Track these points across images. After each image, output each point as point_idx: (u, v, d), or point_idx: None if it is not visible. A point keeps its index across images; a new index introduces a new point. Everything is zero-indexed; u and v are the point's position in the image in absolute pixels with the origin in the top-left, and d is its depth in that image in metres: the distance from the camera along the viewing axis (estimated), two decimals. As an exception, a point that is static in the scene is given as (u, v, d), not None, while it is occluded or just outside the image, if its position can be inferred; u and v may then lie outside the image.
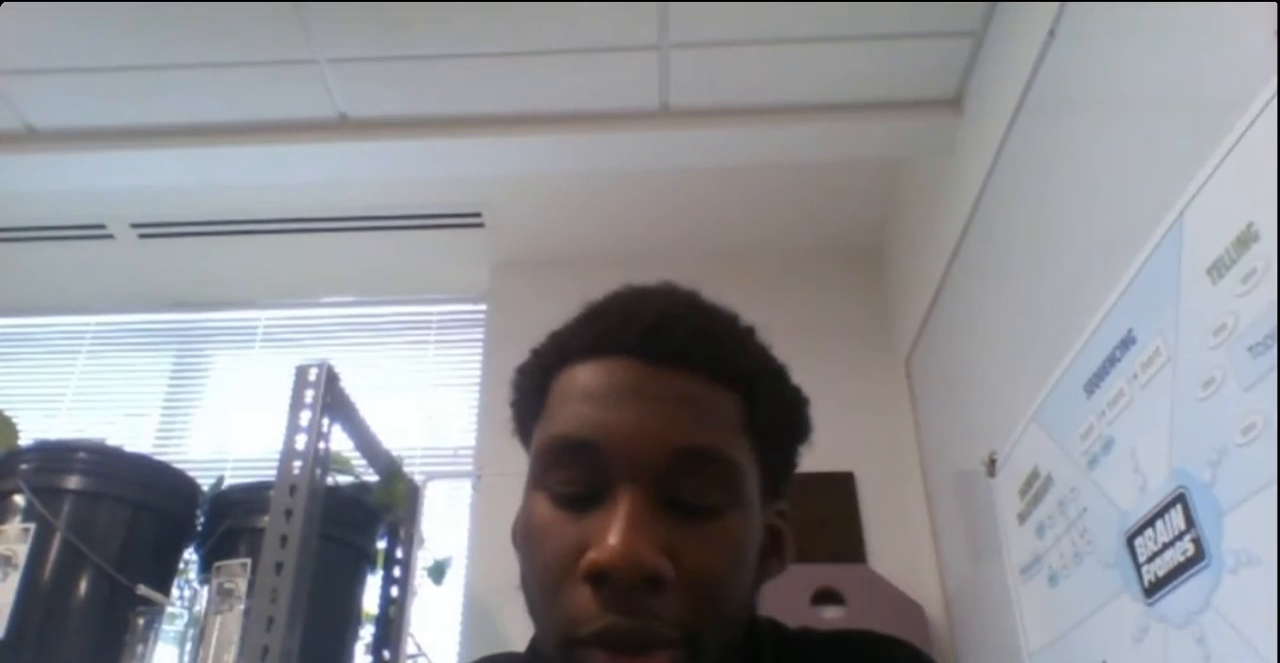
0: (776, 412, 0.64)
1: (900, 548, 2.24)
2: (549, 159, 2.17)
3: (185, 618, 1.56)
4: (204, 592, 1.54)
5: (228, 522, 1.62)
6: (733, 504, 0.59)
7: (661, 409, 0.58)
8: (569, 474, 0.58)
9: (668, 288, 0.67)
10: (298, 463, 1.44)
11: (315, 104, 2.02)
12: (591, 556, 0.54)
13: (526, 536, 0.60)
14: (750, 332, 0.67)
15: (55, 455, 1.58)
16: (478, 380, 2.60)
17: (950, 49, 1.89)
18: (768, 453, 0.63)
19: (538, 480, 0.60)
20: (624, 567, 0.53)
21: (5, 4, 1.76)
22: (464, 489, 2.42)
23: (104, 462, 1.59)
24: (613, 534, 0.54)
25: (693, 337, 0.60)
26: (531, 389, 0.65)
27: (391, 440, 1.88)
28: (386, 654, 1.80)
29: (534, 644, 0.63)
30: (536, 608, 0.59)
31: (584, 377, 0.61)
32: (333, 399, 1.55)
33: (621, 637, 0.53)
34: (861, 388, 2.46)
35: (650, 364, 0.59)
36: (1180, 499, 1.08)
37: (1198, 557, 1.04)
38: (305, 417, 1.49)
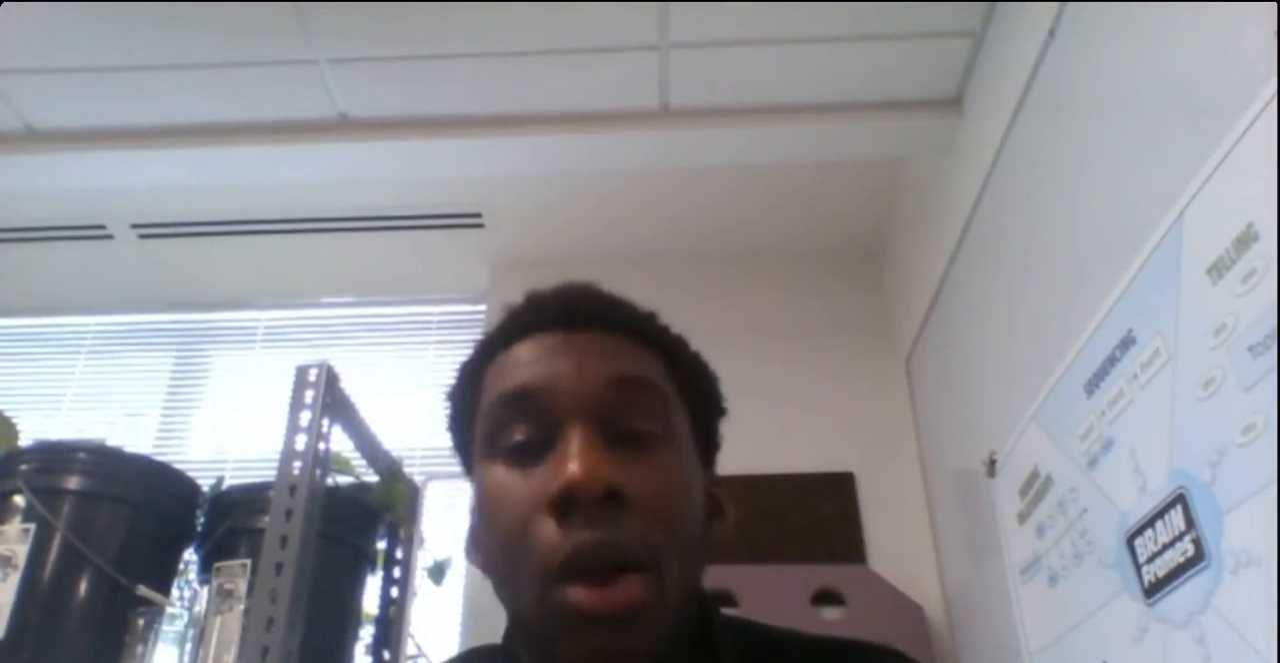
0: (698, 377, 0.68)
1: (900, 548, 2.24)
2: (549, 159, 2.17)
3: (185, 619, 1.56)
4: (204, 592, 1.54)
5: (228, 522, 1.62)
6: (669, 435, 0.62)
7: (590, 355, 0.62)
8: (515, 427, 0.61)
9: (579, 282, 0.70)
10: (298, 463, 1.44)
11: (315, 104, 2.02)
12: (553, 484, 0.56)
13: (486, 506, 0.61)
14: (654, 314, 0.70)
15: (55, 456, 1.58)
16: (478, 381, 2.60)
17: (950, 49, 1.89)
18: (695, 412, 0.66)
19: (486, 450, 0.62)
20: (586, 483, 0.55)
21: (5, 4, 1.76)
22: (464, 490, 2.42)
23: (104, 462, 1.58)
24: (571, 462, 0.56)
25: (610, 307, 0.66)
26: (464, 393, 0.68)
27: (391, 440, 1.88)
28: (386, 654, 1.80)
29: (508, 634, 0.65)
30: (505, 567, 0.59)
31: (508, 358, 0.64)
32: (333, 400, 1.55)
33: (592, 553, 0.54)
34: (861, 388, 2.46)
35: (574, 331, 0.63)
36: (1180, 499, 1.08)
37: (1198, 557, 1.04)
38: (305, 417, 1.49)
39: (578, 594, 0.54)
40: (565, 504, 0.55)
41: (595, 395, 0.60)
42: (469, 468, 0.68)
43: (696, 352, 0.70)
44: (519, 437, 0.60)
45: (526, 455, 0.59)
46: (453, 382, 0.70)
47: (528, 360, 0.63)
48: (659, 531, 0.57)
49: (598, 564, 0.54)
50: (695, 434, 0.65)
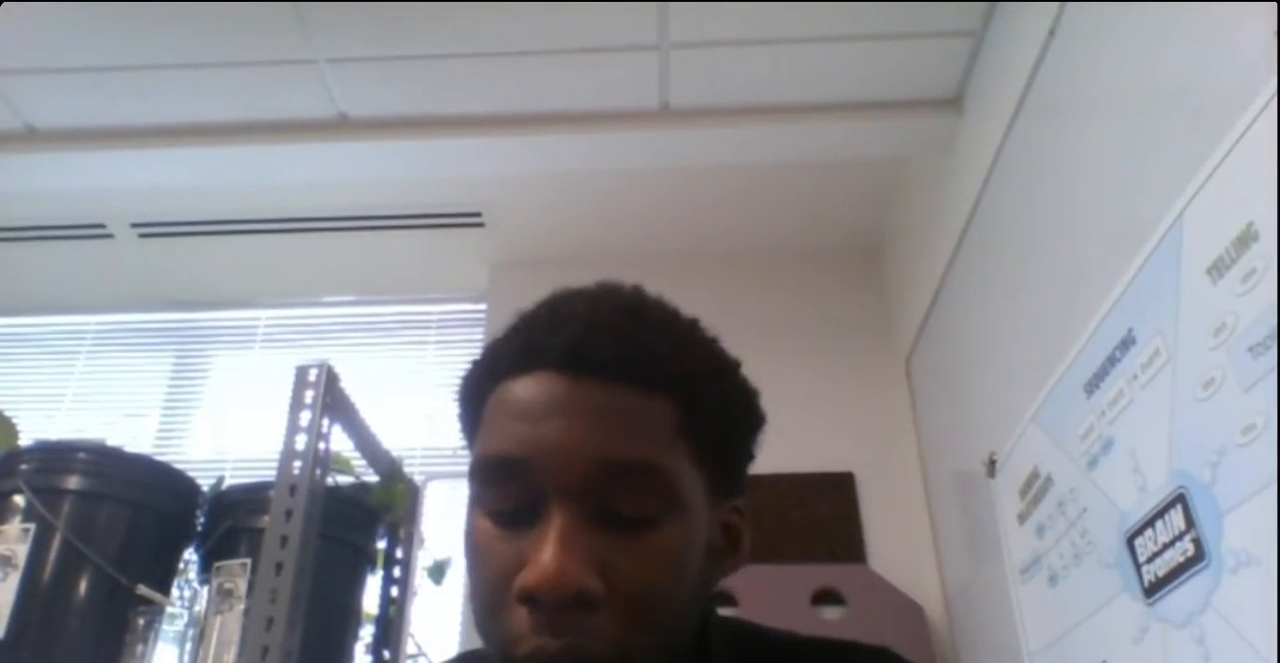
0: (717, 413, 0.61)
1: (900, 548, 2.24)
2: (549, 159, 2.17)
3: (185, 618, 1.56)
4: (204, 592, 1.54)
5: (228, 522, 1.62)
6: (670, 512, 0.58)
7: (588, 422, 0.57)
8: (502, 491, 0.58)
9: (601, 292, 0.64)
10: (298, 463, 1.44)
11: (315, 104, 2.02)
12: (522, 577, 0.54)
13: (469, 553, 0.60)
14: (690, 331, 0.64)
15: (55, 455, 1.58)
16: (478, 380, 2.60)
17: (950, 49, 1.89)
18: (711, 454, 0.61)
19: (475, 498, 0.61)
20: (553, 587, 0.53)
21: (5, 4, 1.76)
22: (464, 489, 2.42)
23: (104, 462, 1.58)
24: (542, 553, 0.54)
25: (619, 347, 0.58)
26: (469, 407, 0.65)
27: (391, 440, 1.88)
28: (386, 654, 1.80)
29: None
30: (481, 626, 0.59)
31: (512, 393, 0.60)
32: (333, 399, 1.55)
33: (551, 658, 0.53)
34: (861, 388, 2.46)
35: (576, 377, 0.58)
36: (1180, 499, 1.08)
37: (1198, 557, 1.04)
38: (305, 417, 1.49)
39: None
40: (530, 601, 0.54)
41: (586, 476, 0.56)
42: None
43: (722, 372, 0.64)
44: (502, 501, 0.58)
45: (511, 517, 0.58)
46: (460, 385, 0.67)
47: (521, 410, 0.58)
48: (636, 627, 0.55)
49: None
50: (711, 468, 0.61)
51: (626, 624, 0.55)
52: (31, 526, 1.47)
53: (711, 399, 0.61)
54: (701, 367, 0.62)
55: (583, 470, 0.56)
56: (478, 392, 0.64)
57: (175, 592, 1.60)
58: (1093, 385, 1.32)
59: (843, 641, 0.69)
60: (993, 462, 1.72)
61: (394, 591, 1.84)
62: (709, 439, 0.61)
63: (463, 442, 0.67)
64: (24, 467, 1.54)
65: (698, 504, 0.60)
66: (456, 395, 0.67)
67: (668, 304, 0.65)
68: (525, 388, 0.59)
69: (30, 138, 2.11)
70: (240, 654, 1.38)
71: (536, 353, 0.60)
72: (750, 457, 0.66)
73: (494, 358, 0.63)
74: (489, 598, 0.57)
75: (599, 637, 0.54)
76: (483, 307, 2.75)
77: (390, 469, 1.86)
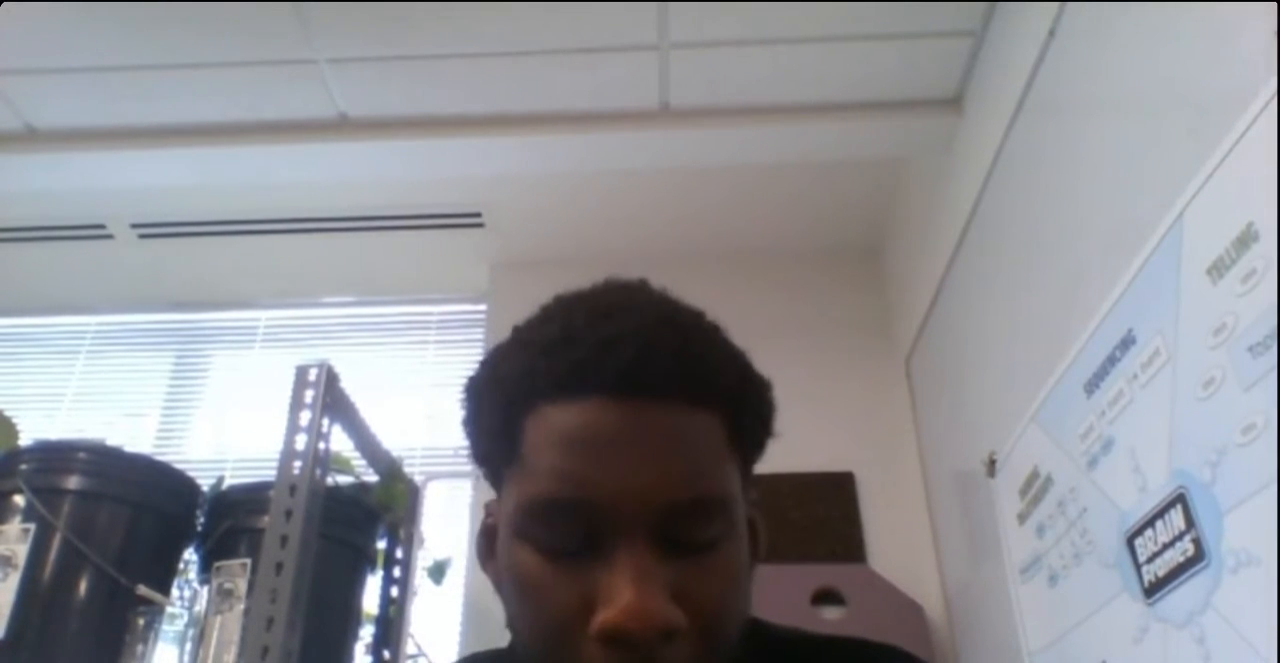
0: (755, 417, 0.62)
1: (900, 548, 2.24)
2: (549, 159, 2.17)
3: (185, 618, 1.56)
4: (204, 592, 1.54)
5: (228, 522, 1.62)
6: (729, 534, 0.58)
7: (651, 455, 0.55)
8: (558, 531, 0.56)
9: (637, 300, 0.61)
10: (298, 463, 1.44)
11: (315, 104, 2.02)
12: (607, 616, 0.52)
13: (515, 586, 0.58)
14: (719, 335, 0.63)
15: (55, 455, 1.58)
16: (478, 380, 2.60)
17: (950, 49, 1.89)
18: (749, 458, 0.62)
19: (521, 533, 0.58)
20: (642, 626, 0.52)
21: (5, 4, 1.76)
22: (464, 489, 2.42)
23: (104, 462, 1.59)
24: (624, 593, 0.52)
25: (676, 367, 0.56)
26: (497, 425, 0.60)
27: (391, 440, 1.88)
28: (386, 654, 1.80)
29: (515, 646, 0.63)
30: (535, 659, 0.58)
31: (560, 422, 0.56)
32: (333, 399, 1.55)
33: None
34: (861, 388, 2.46)
35: (629, 402, 0.55)
36: (1180, 499, 1.08)
37: (1198, 557, 1.04)
38: (305, 417, 1.49)
39: None
40: (615, 641, 0.53)
41: (655, 514, 0.54)
42: (488, 473, 0.64)
43: (752, 375, 0.63)
44: (559, 541, 0.56)
45: (566, 553, 0.56)
46: (479, 390, 0.63)
47: (575, 443, 0.55)
48: (710, 649, 0.56)
49: None
50: (744, 471, 0.62)
51: (704, 648, 0.55)
52: (31, 525, 1.47)
53: (752, 404, 0.61)
54: (741, 374, 0.61)
55: (651, 509, 0.54)
56: (510, 410, 0.59)
57: (175, 592, 1.60)
58: (1093, 385, 1.32)
59: (852, 638, 0.69)
60: (993, 462, 1.72)
61: (394, 591, 1.84)
62: (749, 444, 0.61)
63: (474, 458, 0.65)
64: (24, 467, 1.54)
65: (744, 517, 0.60)
66: (473, 401, 0.63)
67: (689, 304, 0.64)
68: (574, 417, 0.56)
69: (30, 138, 2.11)
70: (240, 654, 1.38)
71: (585, 376, 0.56)
72: (763, 453, 0.66)
73: (531, 375, 0.58)
74: (552, 637, 0.55)
75: (681, 658, 0.54)
76: (483, 307, 2.75)
77: (390, 469, 1.86)
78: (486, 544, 0.66)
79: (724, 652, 0.57)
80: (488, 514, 0.67)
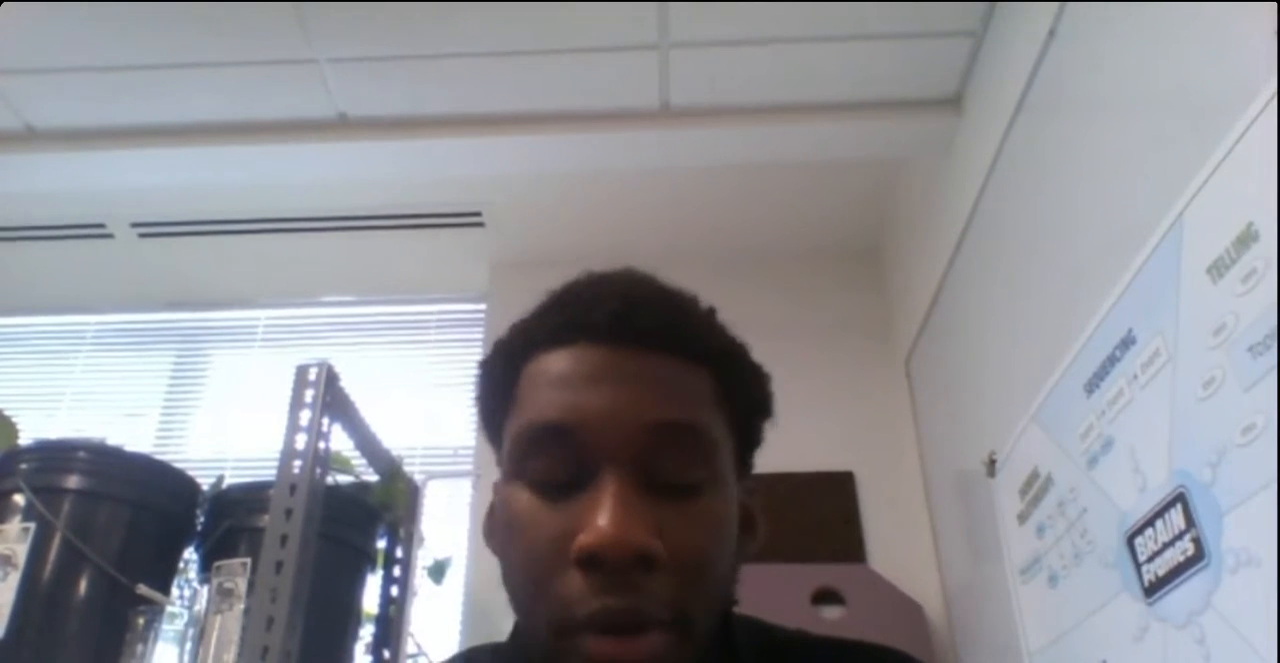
0: (745, 387, 0.64)
1: (900, 548, 2.24)
2: (549, 159, 2.17)
3: (185, 618, 1.56)
4: (204, 591, 1.54)
5: (228, 521, 1.62)
6: (712, 481, 0.59)
7: (635, 389, 0.58)
8: (547, 461, 0.58)
9: (628, 273, 0.66)
10: (298, 463, 1.44)
11: (315, 104, 2.02)
12: (582, 539, 0.54)
13: (508, 527, 0.60)
14: (712, 313, 0.67)
15: (55, 455, 1.58)
16: (478, 380, 2.60)
17: (950, 49, 1.89)
18: (738, 427, 0.63)
19: (515, 471, 0.60)
20: (616, 547, 0.53)
21: (5, 4, 1.76)
22: (464, 489, 2.42)
23: (104, 462, 1.59)
24: (602, 516, 0.54)
25: (660, 319, 0.60)
26: (498, 383, 0.64)
27: (391, 440, 1.88)
28: (386, 654, 1.80)
29: (516, 634, 0.63)
30: (523, 599, 0.58)
31: (553, 364, 0.60)
32: (332, 399, 1.55)
33: (615, 617, 0.53)
34: (861, 388, 2.46)
35: (620, 348, 0.59)
36: (1180, 499, 1.08)
37: (1198, 557, 1.04)
38: (305, 416, 1.49)
39: (598, 645, 0.53)
40: (591, 563, 0.53)
41: (637, 440, 0.56)
42: (496, 442, 0.66)
43: (746, 352, 0.66)
44: (549, 471, 0.58)
45: (556, 488, 0.57)
46: (485, 363, 0.66)
47: (566, 379, 0.59)
48: (690, 589, 0.56)
49: (620, 625, 0.53)
50: (736, 443, 0.63)
51: (682, 588, 0.55)
52: (31, 525, 1.47)
53: (742, 373, 0.64)
54: (729, 345, 0.65)
55: (632, 435, 0.56)
56: (509, 368, 0.63)
57: (175, 591, 1.60)
58: (1093, 385, 1.32)
59: (854, 641, 0.69)
60: (993, 462, 1.72)
61: (394, 590, 1.84)
62: (738, 412, 0.63)
63: (480, 425, 0.67)
64: (24, 467, 1.54)
65: (731, 478, 0.61)
66: (480, 377, 0.66)
67: (687, 290, 0.67)
68: (566, 359, 0.60)
69: (30, 138, 2.11)
70: (240, 654, 1.38)
71: (577, 327, 0.60)
72: (760, 441, 0.68)
73: (527, 334, 0.63)
74: (537, 568, 0.56)
75: (659, 598, 0.54)
76: (483, 306, 2.75)
77: (390, 469, 1.86)
78: (491, 522, 0.67)
79: (703, 604, 0.57)
80: (495, 494, 0.67)
